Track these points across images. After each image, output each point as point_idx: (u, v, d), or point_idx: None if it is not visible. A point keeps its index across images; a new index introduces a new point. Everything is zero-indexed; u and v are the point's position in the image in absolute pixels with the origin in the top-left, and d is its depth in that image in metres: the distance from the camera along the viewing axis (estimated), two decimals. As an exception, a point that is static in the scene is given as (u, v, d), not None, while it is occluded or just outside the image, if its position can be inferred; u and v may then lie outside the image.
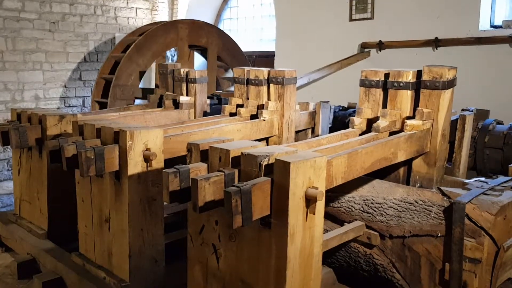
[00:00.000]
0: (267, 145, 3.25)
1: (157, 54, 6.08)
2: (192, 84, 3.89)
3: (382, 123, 2.66)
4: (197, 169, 1.96)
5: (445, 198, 2.39)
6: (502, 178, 2.60)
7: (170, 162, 2.35)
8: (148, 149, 2.40)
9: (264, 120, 3.25)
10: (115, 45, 6.66)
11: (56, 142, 2.54)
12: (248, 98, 3.41)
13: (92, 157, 2.28)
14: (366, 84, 2.86)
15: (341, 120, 3.82)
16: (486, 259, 2.22)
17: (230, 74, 7.17)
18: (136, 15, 8.13)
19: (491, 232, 2.21)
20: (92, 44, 7.60)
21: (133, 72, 5.85)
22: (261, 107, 3.32)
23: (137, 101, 6.06)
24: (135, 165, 2.37)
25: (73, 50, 7.39)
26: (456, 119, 3.06)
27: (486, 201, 2.27)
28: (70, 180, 2.74)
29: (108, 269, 2.54)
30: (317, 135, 3.67)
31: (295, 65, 5.23)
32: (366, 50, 6.15)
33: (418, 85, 2.69)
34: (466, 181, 2.63)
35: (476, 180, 2.58)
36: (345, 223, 2.69)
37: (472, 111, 3.18)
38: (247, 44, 8.50)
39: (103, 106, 6.02)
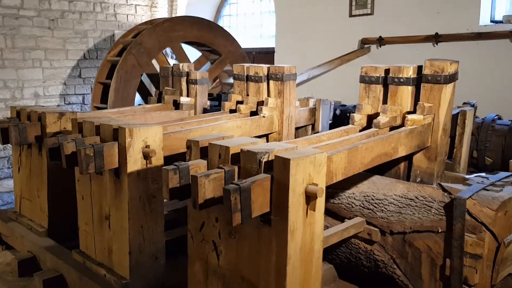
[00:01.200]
0: (267, 141, 3.24)
1: (154, 54, 6.01)
2: (193, 85, 3.88)
3: (382, 119, 2.65)
4: (197, 166, 1.95)
5: (445, 194, 2.38)
6: (502, 174, 2.60)
7: (169, 159, 2.34)
8: (147, 146, 2.39)
9: (264, 117, 3.24)
10: (111, 46, 6.59)
11: (56, 139, 2.53)
12: (247, 95, 3.40)
13: (92, 154, 2.27)
14: (366, 80, 2.85)
15: (341, 116, 3.81)
16: (487, 254, 2.22)
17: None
18: (136, 12, 8.10)
19: (491, 228, 2.20)
20: (91, 41, 7.57)
21: (131, 74, 5.78)
22: (261, 103, 3.31)
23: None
24: (134, 162, 2.37)
25: (72, 47, 7.37)
26: (457, 114, 3.05)
27: (487, 196, 2.27)
28: (70, 178, 2.74)
29: (108, 266, 2.54)
30: (317, 132, 3.66)
31: (295, 61, 5.21)
32: (366, 46, 6.13)
33: (418, 81, 2.68)
34: (467, 176, 2.62)
35: (476, 176, 2.57)
36: (346, 220, 2.68)
37: (473, 105, 3.16)
38: (247, 40, 8.47)
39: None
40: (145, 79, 6.17)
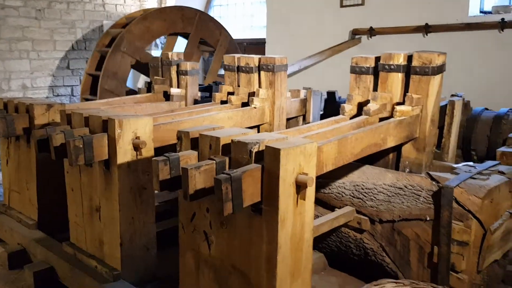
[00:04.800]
0: (259, 132, 3.24)
1: (144, 44, 5.95)
2: (184, 76, 3.86)
3: (372, 106, 2.67)
4: (187, 157, 1.95)
5: (433, 182, 2.42)
6: (489, 163, 2.64)
7: (160, 151, 2.34)
8: (137, 138, 2.38)
9: (255, 108, 3.25)
10: (100, 37, 6.50)
11: (44, 131, 2.51)
12: (239, 86, 3.40)
13: (81, 146, 2.26)
14: (356, 70, 2.87)
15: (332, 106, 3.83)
16: (474, 241, 2.26)
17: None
18: (124, 2, 8.01)
19: (478, 215, 2.24)
20: (79, 32, 7.49)
21: (121, 65, 5.72)
22: (252, 94, 3.31)
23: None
24: (124, 154, 2.36)
25: (60, 38, 7.29)
26: (445, 105, 3.08)
27: (474, 185, 2.30)
28: (59, 170, 2.72)
29: (99, 258, 2.54)
30: (309, 123, 3.67)
31: (286, 52, 5.21)
32: (357, 36, 6.14)
33: (408, 69, 2.70)
34: (455, 165, 2.66)
35: (464, 165, 2.61)
36: (336, 209, 2.71)
37: (461, 96, 3.19)
38: (237, 31, 8.43)
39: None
40: (135, 69, 6.11)
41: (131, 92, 5.80)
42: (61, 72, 7.40)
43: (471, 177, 2.38)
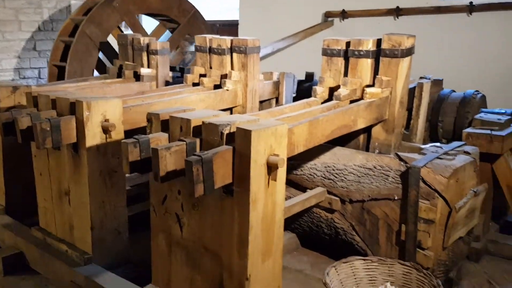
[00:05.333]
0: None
1: (109, 29, 5.74)
2: (154, 56, 3.78)
3: (343, 91, 2.69)
4: (158, 139, 1.94)
5: (402, 163, 2.47)
6: (455, 143, 2.72)
7: (131, 134, 2.30)
8: (106, 120, 2.34)
9: (227, 90, 3.22)
10: (67, 18, 6.25)
11: (10, 114, 2.44)
12: (211, 68, 3.36)
13: (48, 128, 2.21)
14: (328, 53, 2.88)
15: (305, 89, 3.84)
16: (439, 219, 2.34)
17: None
18: (93, -19, 7.75)
19: (444, 194, 2.32)
20: (46, 12, 7.23)
21: (86, 54, 5.52)
22: (224, 76, 3.28)
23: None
24: (93, 137, 2.32)
25: (26, 18, 7.02)
26: (414, 87, 3.14)
27: (440, 165, 2.37)
28: (26, 154, 2.66)
29: (70, 242, 2.51)
30: (282, 105, 3.67)
31: (259, 34, 5.16)
32: (329, 19, 6.15)
33: (378, 54, 2.73)
34: (422, 146, 2.72)
35: (431, 146, 2.68)
36: (308, 190, 2.75)
37: (429, 79, 3.26)
38: (210, 12, 8.31)
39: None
40: (101, 56, 5.93)
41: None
42: (28, 53, 7.15)
43: (438, 158, 2.45)
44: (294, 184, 2.84)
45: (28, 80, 7.21)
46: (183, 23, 6.28)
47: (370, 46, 2.70)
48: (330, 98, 2.82)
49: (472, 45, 5.12)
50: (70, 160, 2.41)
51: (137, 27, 5.96)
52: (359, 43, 2.72)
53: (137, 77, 3.76)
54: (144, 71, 3.70)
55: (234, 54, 3.26)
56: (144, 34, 5.72)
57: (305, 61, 5.59)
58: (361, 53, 2.71)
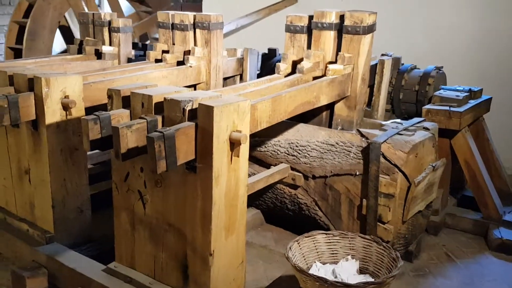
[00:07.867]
0: (195, 92, 3.20)
1: (65, 8, 5.48)
2: (116, 34, 3.68)
3: (306, 64, 2.71)
4: (119, 115, 1.91)
5: (363, 139, 2.53)
6: (415, 119, 2.79)
7: (92, 110, 2.24)
8: (66, 97, 2.29)
9: (191, 67, 3.19)
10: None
11: (-37, 91, 2.34)
12: (174, 44, 3.31)
13: (6, 105, 2.15)
14: (291, 29, 2.88)
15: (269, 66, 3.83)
16: (399, 194, 2.42)
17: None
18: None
19: (403, 169, 2.39)
20: (1, -16, 6.87)
21: (42, 35, 5.25)
22: (187, 53, 3.24)
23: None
24: (53, 114, 2.26)
25: (-21, -10, 6.66)
26: (376, 64, 3.19)
27: (400, 140, 2.44)
28: (-18, 132, 2.57)
29: (31, 221, 2.47)
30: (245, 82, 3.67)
31: (223, 10, 5.09)
32: (294, -4, 6.11)
33: (341, 28, 2.74)
34: (383, 122, 2.79)
35: (392, 122, 2.75)
36: (272, 166, 2.78)
37: (390, 56, 3.31)
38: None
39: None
40: (59, 35, 5.70)
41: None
42: (-18, 28, 6.81)
43: (398, 133, 2.52)
44: (258, 161, 2.87)
45: (-16, 56, 6.89)
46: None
47: (333, 18, 2.71)
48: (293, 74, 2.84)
49: (427, 22, 5.17)
50: (29, 138, 2.35)
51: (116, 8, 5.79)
52: (322, 15, 2.74)
53: (99, 55, 3.66)
54: (105, 48, 3.61)
55: (197, 30, 3.22)
56: (121, 16, 5.55)
57: (269, 37, 5.56)
58: (324, 25, 2.73)
